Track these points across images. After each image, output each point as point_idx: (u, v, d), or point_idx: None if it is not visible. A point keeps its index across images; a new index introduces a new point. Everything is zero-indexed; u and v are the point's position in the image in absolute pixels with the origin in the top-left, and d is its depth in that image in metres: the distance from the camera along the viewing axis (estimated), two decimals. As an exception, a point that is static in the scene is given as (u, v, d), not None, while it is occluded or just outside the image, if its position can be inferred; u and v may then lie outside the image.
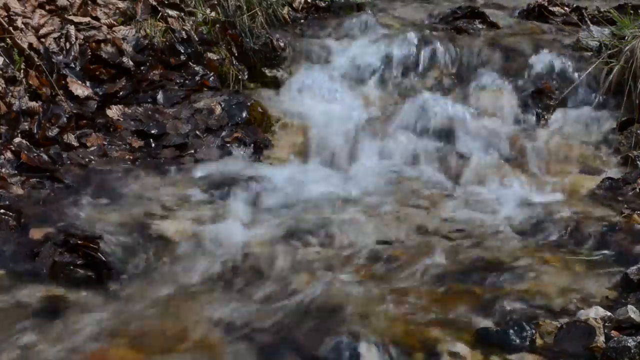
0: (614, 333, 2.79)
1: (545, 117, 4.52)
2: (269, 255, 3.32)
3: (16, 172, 3.76)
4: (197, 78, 4.54)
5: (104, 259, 3.22)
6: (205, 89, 4.48)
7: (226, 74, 4.64)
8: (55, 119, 4.06)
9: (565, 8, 5.37)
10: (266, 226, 3.61)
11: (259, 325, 2.86)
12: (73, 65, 4.34)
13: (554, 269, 3.26)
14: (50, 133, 4.00)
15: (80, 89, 4.24)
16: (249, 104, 4.39)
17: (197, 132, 4.22)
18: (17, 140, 3.89)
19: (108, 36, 4.48)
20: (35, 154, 3.85)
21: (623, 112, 4.39)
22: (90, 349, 2.75)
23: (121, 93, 4.35)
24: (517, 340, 2.80)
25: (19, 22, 4.27)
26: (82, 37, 4.43)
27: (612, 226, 3.55)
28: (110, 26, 4.57)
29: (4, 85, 3.98)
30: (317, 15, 5.24)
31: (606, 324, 2.82)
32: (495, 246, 3.46)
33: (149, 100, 4.35)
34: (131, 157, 4.02)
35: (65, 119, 4.07)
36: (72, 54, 4.35)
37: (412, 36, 4.92)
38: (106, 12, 4.64)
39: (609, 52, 4.59)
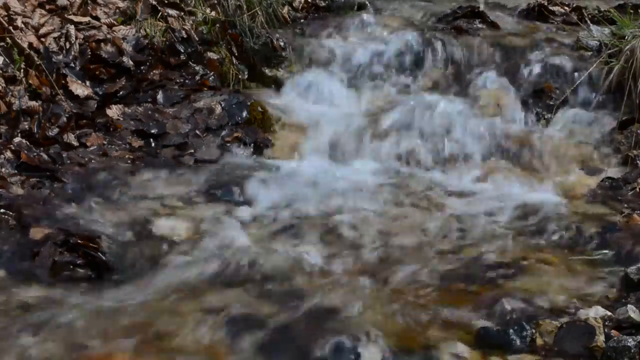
0: (613, 333, 2.79)
1: (546, 116, 4.52)
2: (268, 254, 3.32)
3: (16, 171, 3.75)
4: (197, 78, 4.54)
5: (103, 258, 3.23)
6: (205, 89, 4.48)
7: (226, 73, 4.64)
8: (55, 118, 4.06)
9: (565, 7, 5.37)
10: (266, 225, 3.61)
11: (259, 324, 2.86)
12: (73, 65, 4.34)
13: (554, 269, 3.27)
14: (50, 133, 4.00)
15: (80, 89, 4.24)
16: (249, 103, 4.39)
17: (197, 132, 4.22)
18: (17, 139, 3.89)
19: (108, 36, 4.48)
20: (35, 154, 3.85)
21: (623, 111, 4.39)
22: (90, 348, 2.75)
23: (121, 93, 4.35)
24: (517, 340, 2.80)
25: (19, 22, 4.27)
26: (82, 36, 4.42)
27: (612, 226, 3.55)
28: (110, 26, 4.57)
29: (4, 85, 3.98)
30: (317, 15, 5.24)
31: (606, 323, 2.82)
32: (495, 246, 3.46)
33: (149, 99, 4.35)
34: (131, 157, 4.02)
35: (65, 119, 4.07)
36: (72, 53, 4.35)
37: (412, 36, 4.92)
38: (106, 11, 4.64)
39: (609, 51, 4.59)
